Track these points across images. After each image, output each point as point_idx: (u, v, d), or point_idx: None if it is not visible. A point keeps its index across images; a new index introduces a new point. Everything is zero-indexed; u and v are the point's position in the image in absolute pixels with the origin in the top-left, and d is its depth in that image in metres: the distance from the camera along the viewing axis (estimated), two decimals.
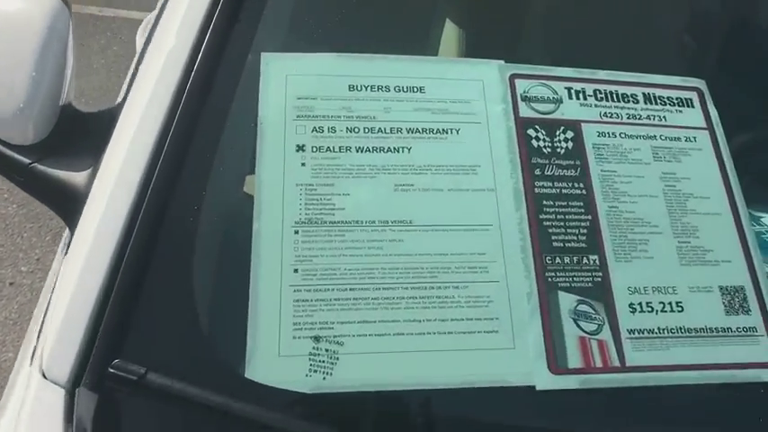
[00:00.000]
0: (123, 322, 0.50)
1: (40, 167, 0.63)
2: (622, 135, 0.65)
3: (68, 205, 0.63)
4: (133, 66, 0.89)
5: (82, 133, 0.68)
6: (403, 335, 0.54)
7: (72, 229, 0.64)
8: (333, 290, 0.54)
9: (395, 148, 0.61)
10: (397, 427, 0.53)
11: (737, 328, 0.59)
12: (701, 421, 0.56)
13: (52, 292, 0.59)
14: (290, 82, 0.62)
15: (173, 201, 0.56)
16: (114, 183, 0.55)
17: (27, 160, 0.63)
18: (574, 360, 0.55)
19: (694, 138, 0.67)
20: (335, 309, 0.54)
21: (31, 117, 0.62)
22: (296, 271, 0.55)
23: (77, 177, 0.63)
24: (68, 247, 0.59)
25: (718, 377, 0.57)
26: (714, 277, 0.61)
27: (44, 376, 0.48)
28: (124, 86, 1.08)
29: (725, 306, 0.60)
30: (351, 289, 0.55)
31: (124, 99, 0.70)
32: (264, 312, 0.53)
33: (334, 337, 0.53)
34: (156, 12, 1.37)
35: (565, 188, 0.62)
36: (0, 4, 0.63)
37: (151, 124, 0.58)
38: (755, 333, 0.59)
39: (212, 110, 0.61)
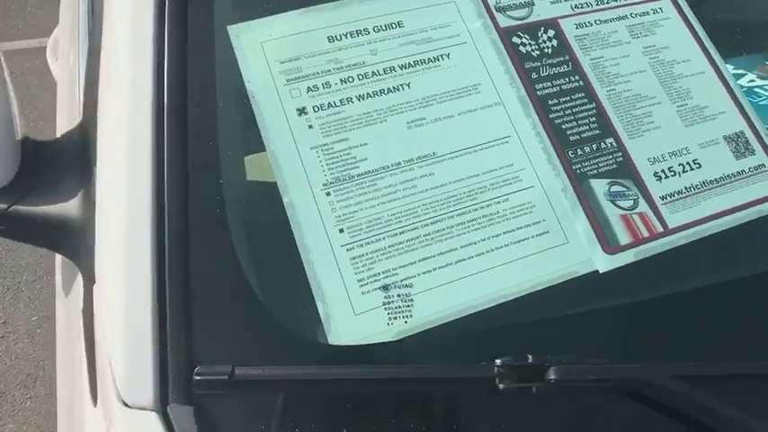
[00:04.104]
0: (188, 328, 0.47)
1: (21, 209, 0.58)
2: (598, 22, 0.67)
3: (63, 238, 0.59)
4: (78, 84, 0.82)
5: (51, 163, 0.63)
6: (464, 260, 0.54)
7: (77, 259, 0.60)
8: (383, 238, 0.53)
9: (394, 88, 0.59)
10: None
11: (749, 169, 0.63)
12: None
13: (83, 331, 0.55)
14: (267, 48, 0.59)
15: (194, 199, 0.52)
16: (127, 197, 0.51)
17: (3, 205, 0.58)
18: (623, 237, 0.57)
19: (660, 8, 0.69)
20: (393, 255, 0.53)
21: None
22: (341, 231, 0.53)
23: (66, 207, 0.58)
24: (87, 278, 0.55)
25: (747, 216, 0.60)
26: (716, 129, 0.64)
27: (126, 405, 0.44)
28: (63, 107, 0.99)
29: (733, 152, 0.63)
30: (400, 233, 0.54)
31: (88, 118, 0.65)
32: (326, 279, 0.51)
33: (402, 281, 0.52)
34: (62, 28, 1.26)
35: (564, 84, 0.63)
36: None
37: (140, 132, 0.54)
38: (764, 169, 0.63)
39: (199, 99, 0.57)
